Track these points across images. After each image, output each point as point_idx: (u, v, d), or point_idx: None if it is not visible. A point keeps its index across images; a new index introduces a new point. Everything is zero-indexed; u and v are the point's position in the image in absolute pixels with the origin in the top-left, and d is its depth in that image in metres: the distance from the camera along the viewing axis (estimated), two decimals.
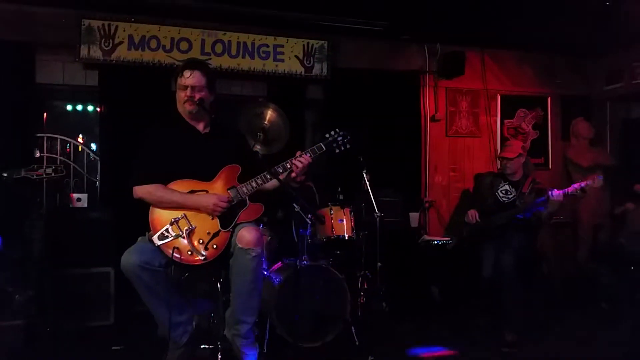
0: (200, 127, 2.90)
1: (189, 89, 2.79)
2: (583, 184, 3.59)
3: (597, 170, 5.31)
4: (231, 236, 2.73)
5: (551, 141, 5.96)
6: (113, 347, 3.41)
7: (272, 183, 2.87)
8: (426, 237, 4.94)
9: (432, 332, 3.88)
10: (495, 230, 3.83)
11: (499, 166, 4.21)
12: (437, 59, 5.50)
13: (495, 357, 3.39)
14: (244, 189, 2.79)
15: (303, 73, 5.07)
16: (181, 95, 2.82)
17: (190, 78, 2.79)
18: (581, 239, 5.47)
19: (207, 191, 2.76)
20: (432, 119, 5.56)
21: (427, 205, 5.46)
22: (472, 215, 3.90)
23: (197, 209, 2.70)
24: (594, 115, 5.97)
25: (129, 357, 3.28)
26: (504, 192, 3.97)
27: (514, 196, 3.91)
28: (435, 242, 4.67)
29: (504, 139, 5.68)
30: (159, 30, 4.66)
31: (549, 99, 5.96)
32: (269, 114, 3.88)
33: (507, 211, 3.85)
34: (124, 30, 4.57)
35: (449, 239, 4.35)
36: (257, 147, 3.75)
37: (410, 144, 5.43)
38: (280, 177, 2.82)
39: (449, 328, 3.95)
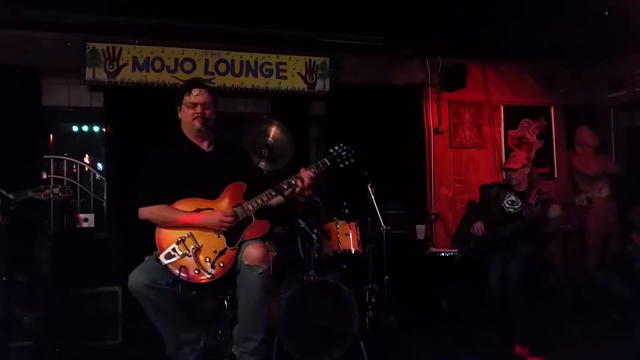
0: (204, 145, 2.92)
1: (198, 106, 2.82)
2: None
3: (603, 178, 5.31)
4: (237, 253, 2.74)
5: (556, 150, 5.95)
6: None
7: (277, 199, 2.88)
8: (433, 249, 4.92)
9: (440, 344, 3.85)
10: (502, 241, 3.81)
11: (504, 177, 4.20)
12: (439, 72, 5.54)
13: None
14: (249, 206, 2.80)
15: (306, 89, 5.12)
16: (189, 113, 2.84)
17: (199, 96, 2.82)
18: (589, 247, 5.42)
19: (212, 209, 2.77)
20: (436, 131, 5.58)
21: (433, 217, 5.45)
22: (478, 227, 3.88)
23: (203, 226, 2.70)
24: (597, 123, 5.96)
25: None
26: (510, 202, 3.96)
27: (520, 207, 3.90)
28: (442, 254, 4.65)
29: (508, 150, 5.69)
30: (163, 51, 4.73)
31: (552, 109, 5.97)
32: (273, 130, 3.90)
33: (513, 222, 3.83)
34: (128, 52, 4.65)
35: (455, 250, 4.33)
36: (262, 164, 3.77)
37: (414, 156, 5.44)
38: (285, 193, 2.83)
39: (458, 340, 3.91)
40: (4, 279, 2.69)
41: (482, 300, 3.85)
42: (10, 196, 2.92)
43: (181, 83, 4.37)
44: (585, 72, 5.94)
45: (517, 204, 3.93)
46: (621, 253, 4.88)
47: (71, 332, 3.69)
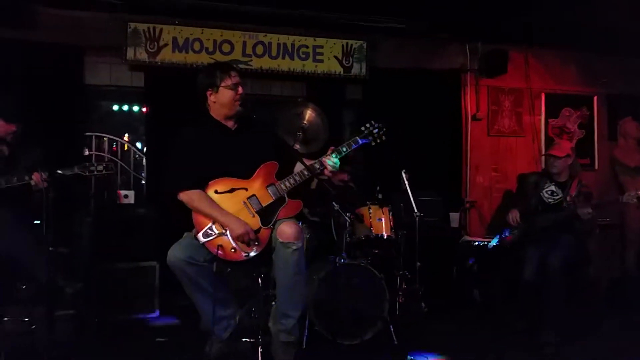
0: (230, 124, 2.94)
1: (239, 87, 2.85)
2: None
3: None
4: (272, 232, 2.77)
5: (597, 141, 5.79)
6: (157, 339, 3.51)
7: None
8: (467, 238, 4.87)
9: (470, 333, 3.82)
10: (540, 232, 3.74)
11: (543, 165, 4.11)
12: (479, 57, 5.42)
13: (535, 358, 3.31)
14: (282, 186, 2.82)
15: (342, 73, 5.10)
16: (230, 95, 2.84)
17: (237, 77, 2.85)
18: (629, 241, 5.29)
19: (246, 189, 2.80)
20: (474, 118, 5.49)
21: (467, 205, 5.39)
22: (514, 216, 3.81)
23: (226, 227, 2.70)
24: None
25: (172, 348, 3.35)
26: (549, 192, 3.86)
27: (560, 197, 3.80)
28: (476, 243, 4.60)
29: (548, 139, 5.56)
30: (202, 32, 4.78)
31: (595, 98, 5.79)
32: (308, 113, 3.92)
33: (553, 213, 3.74)
34: (168, 33, 4.71)
35: (489, 239, 4.27)
36: (297, 147, 3.79)
37: (450, 143, 5.38)
38: (325, 172, 2.84)
39: (488, 329, 3.88)
40: (50, 249, 2.80)
41: (515, 290, 3.80)
42: (59, 171, 3.02)
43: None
44: (630, 62, 5.72)
45: (557, 195, 3.83)
46: None
47: (110, 304, 3.83)
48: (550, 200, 3.85)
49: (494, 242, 3.90)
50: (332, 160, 2.88)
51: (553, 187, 3.86)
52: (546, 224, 3.73)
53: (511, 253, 3.88)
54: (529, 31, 5.00)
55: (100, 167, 3.09)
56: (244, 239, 2.68)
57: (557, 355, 3.35)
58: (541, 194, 3.87)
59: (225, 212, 2.72)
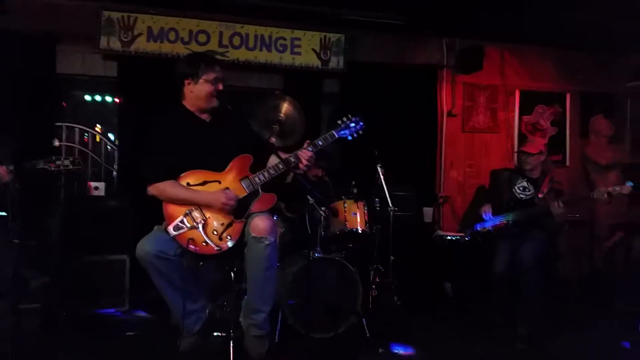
0: (204, 117, 2.90)
1: (220, 82, 2.81)
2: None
3: (616, 169, 5.25)
4: (245, 226, 2.75)
5: (569, 138, 5.88)
6: (127, 333, 3.47)
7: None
8: (440, 233, 4.92)
9: (443, 326, 3.87)
10: (512, 227, 3.80)
11: (516, 162, 4.16)
12: (456, 53, 5.46)
13: (508, 351, 3.37)
14: (256, 179, 2.81)
15: (320, 66, 5.08)
16: (209, 89, 2.79)
17: (221, 72, 2.81)
18: (597, 238, 5.40)
19: (219, 182, 2.77)
20: (449, 114, 5.53)
21: (441, 200, 5.44)
22: (486, 210, 3.87)
23: (206, 205, 2.70)
24: (614, 112, 5.87)
25: (142, 342, 3.32)
26: (521, 188, 3.93)
27: (531, 193, 3.87)
28: (449, 238, 4.65)
29: (521, 136, 5.63)
30: (178, 22, 4.70)
31: (568, 95, 5.88)
32: (285, 106, 3.89)
33: (525, 208, 3.80)
34: (143, 22, 4.62)
35: (462, 234, 4.33)
36: (273, 139, 3.76)
37: (426, 139, 5.41)
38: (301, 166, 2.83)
39: (460, 323, 3.94)
40: (15, 241, 2.73)
41: (487, 284, 3.86)
42: (25, 165, 2.93)
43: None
44: (604, 59, 5.83)
45: (529, 191, 3.90)
46: (627, 247, 4.85)
47: (79, 298, 3.77)
48: (522, 196, 3.92)
49: (487, 225, 3.88)
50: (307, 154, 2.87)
51: (525, 183, 3.93)
52: (518, 219, 3.79)
53: (482, 247, 3.93)
54: (505, 27, 5.03)
55: (67, 162, 2.99)
56: (230, 205, 2.66)
57: (531, 348, 3.41)
58: (513, 189, 3.94)
59: (200, 191, 2.70)
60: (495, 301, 3.81)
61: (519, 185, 3.94)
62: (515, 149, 5.36)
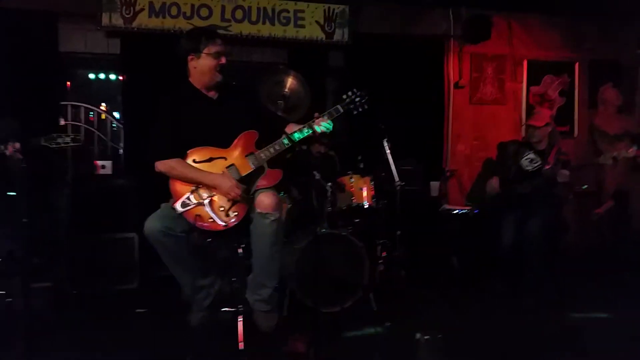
0: (211, 94, 2.88)
1: (222, 56, 2.77)
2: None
3: (625, 139, 5.18)
4: (251, 202, 2.76)
5: (578, 109, 5.79)
6: (137, 310, 3.51)
7: None
8: (447, 207, 4.91)
9: (450, 299, 3.89)
10: (519, 199, 3.78)
11: (523, 134, 4.13)
12: (462, 23, 5.35)
13: (516, 323, 3.39)
14: (262, 155, 2.80)
15: (324, 39, 5.00)
16: (212, 64, 2.78)
17: (222, 45, 2.78)
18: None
19: (225, 158, 2.78)
20: (456, 86, 5.45)
21: (448, 174, 5.41)
22: (494, 183, 3.85)
23: (213, 187, 2.71)
24: (623, 81, 5.76)
25: (152, 319, 3.37)
26: (529, 160, 3.90)
27: (539, 165, 3.85)
28: (456, 212, 4.64)
29: (529, 107, 5.56)
30: None
31: (577, 65, 5.77)
32: (290, 81, 3.86)
33: (532, 180, 3.78)
34: None
35: (469, 207, 4.32)
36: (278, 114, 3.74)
37: (432, 111, 5.35)
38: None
39: (467, 296, 3.96)
40: (24, 220, 2.75)
41: (494, 257, 3.87)
42: (28, 143, 2.94)
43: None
44: (613, 27, 5.69)
45: (536, 162, 3.87)
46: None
47: (89, 276, 3.82)
48: (529, 167, 3.90)
49: None
50: (324, 125, 2.83)
51: (532, 155, 3.91)
52: (525, 190, 3.78)
53: (489, 220, 3.93)
54: None
55: (67, 139, 3.01)
56: (235, 194, 2.66)
57: (538, 320, 3.43)
58: (521, 162, 3.91)
59: (208, 172, 2.71)
60: (502, 274, 3.83)
61: (526, 157, 3.92)
62: (523, 121, 5.30)
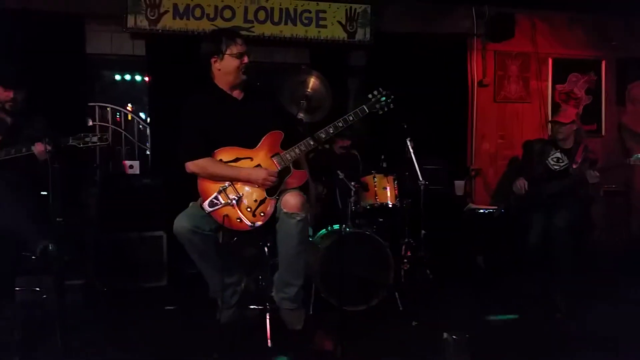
0: (236, 94, 2.91)
1: (245, 56, 2.81)
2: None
3: None
4: (277, 202, 2.78)
5: (605, 107, 5.70)
6: (166, 307, 3.57)
7: None
8: (472, 206, 4.88)
9: (476, 299, 3.86)
10: (546, 199, 3.74)
11: (549, 132, 4.08)
12: (486, 21, 5.31)
13: (544, 322, 3.35)
14: (287, 155, 2.82)
15: (346, 39, 5.01)
16: (235, 64, 2.80)
17: (243, 45, 2.80)
18: (635, 208, 5.28)
19: (251, 158, 2.80)
20: (480, 84, 5.41)
21: (473, 173, 5.37)
22: (521, 184, 3.82)
23: (248, 182, 2.74)
24: None
25: (181, 316, 3.42)
26: (555, 159, 3.86)
27: (565, 164, 3.81)
28: (482, 211, 4.61)
29: (555, 105, 5.49)
30: None
31: (604, 62, 5.68)
32: (312, 81, 3.84)
33: (559, 180, 3.74)
34: (169, 0, 4.62)
35: (495, 207, 4.28)
36: (301, 115, 3.75)
37: (456, 110, 5.32)
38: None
39: (493, 296, 3.92)
40: (58, 219, 2.82)
41: (520, 257, 3.83)
42: (58, 143, 3.01)
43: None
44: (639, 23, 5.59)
45: (562, 161, 3.83)
46: None
47: (119, 274, 3.89)
48: (556, 167, 3.85)
49: None
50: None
51: (559, 154, 3.86)
52: (552, 190, 3.73)
53: (515, 220, 3.89)
54: None
55: (94, 139, 3.07)
56: (270, 182, 2.70)
57: (566, 319, 3.39)
58: (547, 161, 3.87)
59: (240, 167, 2.75)
60: (529, 273, 3.79)
61: (552, 157, 3.87)
62: (549, 119, 5.24)
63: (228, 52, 2.80)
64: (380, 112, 2.96)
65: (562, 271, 3.59)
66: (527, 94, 5.53)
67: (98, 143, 3.09)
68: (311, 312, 3.24)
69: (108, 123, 5.06)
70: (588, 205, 4.05)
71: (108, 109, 5.08)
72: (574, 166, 3.74)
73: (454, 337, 2.49)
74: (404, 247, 3.89)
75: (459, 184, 5.04)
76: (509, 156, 4.93)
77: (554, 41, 5.56)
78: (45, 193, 2.92)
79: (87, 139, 3.07)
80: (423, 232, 3.91)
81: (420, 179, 3.89)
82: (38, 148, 3.04)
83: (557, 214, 3.63)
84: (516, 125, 5.52)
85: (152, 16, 4.59)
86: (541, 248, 3.67)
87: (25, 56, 4.27)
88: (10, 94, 3.20)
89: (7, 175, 3.08)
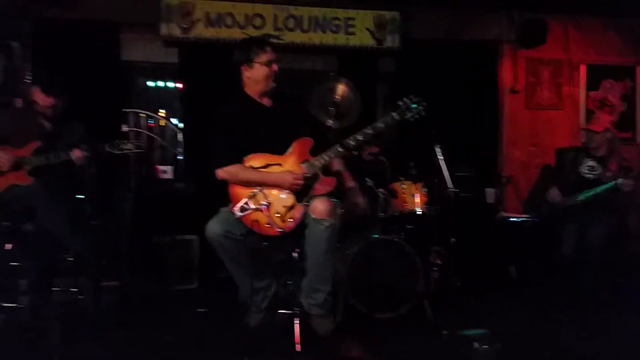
0: (265, 101, 2.95)
1: (274, 64, 2.85)
2: None
3: None
4: (306, 208, 2.80)
5: None
6: (198, 309, 3.62)
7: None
8: (503, 214, 4.81)
9: (508, 308, 3.80)
10: (579, 208, 3.67)
11: (582, 139, 4.01)
12: (516, 27, 5.25)
13: (578, 333, 3.28)
14: (316, 162, 2.84)
15: (374, 46, 5.01)
16: (264, 71, 2.85)
17: (272, 53, 2.85)
18: None
19: (281, 164, 2.84)
20: (511, 91, 5.35)
21: (504, 181, 5.30)
22: (554, 195, 3.75)
23: (276, 186, 2.78)
24: None
25: (212, 319, 3.46)
26: (588, 168, 3.79)
27: (599, 173, 3.73)
28: (513, 219, 4.54)
29: (588, 112, 5.38)
30: (234, 7, 4.77)
31: (638, 69, 5.54)
32: (341, 88, 3.86)
33: (592, 188, 3.67)
34: (201, 8, 4.71)
35: (527, 216, 4.22)
36: (329, 122, 3.77)
37: (487, 117, 5.27)
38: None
39: (525, 305, 3.85)
40: (93, 222, 2.91)
41: (553, 267, 3.76)
42: (98, 149, 3.10)
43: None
44: None
45: (596, 170, 3.76)
46: None
47: (152, 276, 3.97)
48: (589, 175, 3.78)
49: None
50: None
51: (592, 162, 3.80)
52: (587, 199, 3.66)
53: (548, 229, 3.82)
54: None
55: (130, 146, 3.15)
56: (298, 184, 2.74)
57: (599, 331, 3.32)
58: (580, 169, 3.80)
59: (268, 172, 2.79)
60: (562, 284, 3.72)
61: (585, 165, 3.80)
62: (582, 127, 5.14)
63: (258, 60, 2.85)
64: (411, 120, 2.95)
65: (595, 283, 3.51)
66: (559, 101, 5.44)
67: (133, 150, 3.17)
68: (339, 319, 3.23)
69: (142, 129, 5.18)
70: (622, 214, 3.96)
71: (142, 115, 5.20)
72: (608, 175, 3.66)
73: (485, 346, 2.47)
74: (433, 254, 3.86)
75: (490, 192, 4.98)
76: (541, 164, 4.83)
77: (587, 47, 5.46)
78: (82, 197, 3.02)
79: (123, 146, 3.15)
80: (453, 240, 3.86)
81: (450, 186, 3.86)
82: (76, 154, 3.13)
83: (590, 223, 3.57)
84: (548, 133, 5.42)
85: (185, 24, 4.69)
86: (574, 258, 3.59)
87: (64, 63, 4.40)
88: (51, 101, 3.30)
89: (46, 180, 3.17)
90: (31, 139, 3.27)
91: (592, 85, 5.49)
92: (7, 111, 4.07)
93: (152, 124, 5.32)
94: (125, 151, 3.17)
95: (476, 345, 2.48)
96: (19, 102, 4.43)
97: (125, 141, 3.20)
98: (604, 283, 3.50)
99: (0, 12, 4.38)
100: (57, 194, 3.12)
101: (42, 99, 3.30)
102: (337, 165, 3.06)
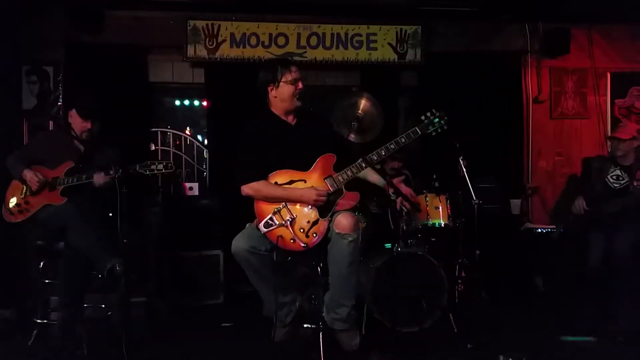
0: (289, 119, 3.01)
1: (299, 82, 2.92)
2: None
3: None
4: (329, 224, 2.83)
5: None
6: (223, 324, 3.68)
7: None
8: (529, 225, 4.75)
9: (535, 321, 3.75)
10: (606, 219, 3.61)
11: (608, 148, 3.95)
12: (540, 37, 5.22)
13: (608, 346, 3.22)
14: (339, 178, 2.87)
15: (396, 60, 5.06)
16: (290, 90, 2.91)
17: (297, 72, 2.92)
18: None
19: (305, 181, 2.87)
20: (535, 101, 5.30)
21: (529, 191, 5.24)
22: (580, 204, 3.70)
23: (300, 202, 2.82)
24: None
25: (238, 333, 3.51)
26: (615, 177, 3.73)
27: (626, 182, 3.66)
28: (539, 230, 4.48)
29: (614, 120, 5.29)
30: (258, 27, 4.89)
31: None
32: (363, 103, 3.90)
33: (619, 198, 3.61)
34: (226, 29, 4.85)
35: (553, 227, 4.15)
36: (352, 137, 3.81)
37: (511, 127, 5.23)
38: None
39: (554, 318, 3.79)
40: (125, 241, 2.99)
41: (581, 278, 3.69)
42: (129, 169, 3.19)
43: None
44: None
45: (622, 179, 3.69)
46: None
47: (179, 291, 4.06)
48: (616, 185, 3.72)
49: None
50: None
51: (619, 172, 3.73)
52: (612, 210, 3.60)
53: (574, 240, 3.76)
54: (592, 8, 4.74)
55: (160, 167, 3.22)
56: (321, 200, 2.77)
57: (629, 343, 3.24)
58: (606, 179, 3.74)
59: (292, 188, 2.83)
60: (590, 295, 3.64)
61: (612, 174, 3.74)
62: (608, 135, 5.05)
63: (283, 79, 2.91)
64: (434, 134, 2.95)
65: (624, 294, 3.43)
66: (584, 110, 5.37)
67: (164, 171, 3.24)
68: (364, 333, 3.24)
69: (169, 147, 5.32)
70: None
71: (169, 133, 5.34)
72: (635, 184, 3.59)
73: None
74: (458, 267, 3.84)
75: (515, 203, 4.92)
76: (567, 174, 4.77)
77: (612, 54, 5.38)
78: (112, 215, 3.11)
79: (154, 167, 3.22)
80: (478, 252, 3.83)
81: (474, 198, 3.85)
82: (97, 179, 3.23)
83: (617, 234, 3.49)
84: (574, 142, 5.35)
85: (211, 45, 4.83)
86: (602, 270, 3.52)
87: (95, 86, 4.57)
88: (88, 125, 3.41)
89: (78, 199, 3.28)
90: (64, 160, 3.39)
91: (618, 93, 5.40)
92: (42, 134, 4.25)
93: (178, 142, 5.45)
94: (156, 172, 3.24)
95: (502, 358, 2.46)
96: (53, 125, 4.62)
97: (156, 162, 3.25)
98: (633, 294, 3.41)
99: (34, 39, 4.59)
100: (88, 212, 3.20)
101: (79, 123, 3.41)
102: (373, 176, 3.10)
